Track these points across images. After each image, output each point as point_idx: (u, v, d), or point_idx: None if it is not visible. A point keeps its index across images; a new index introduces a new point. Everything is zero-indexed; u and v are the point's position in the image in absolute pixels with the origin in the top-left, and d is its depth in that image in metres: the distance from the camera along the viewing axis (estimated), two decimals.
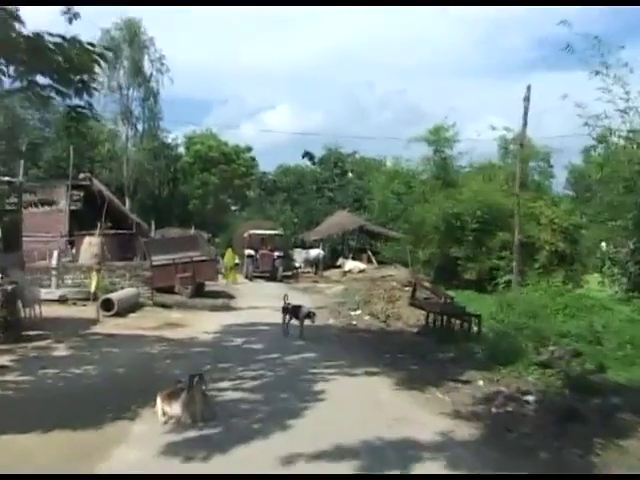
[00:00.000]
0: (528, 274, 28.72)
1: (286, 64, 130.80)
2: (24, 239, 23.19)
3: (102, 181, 46.45)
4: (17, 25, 11.84)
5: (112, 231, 35.94)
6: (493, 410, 10.55)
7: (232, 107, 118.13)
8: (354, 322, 22.41)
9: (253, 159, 70.89)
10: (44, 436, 8.98)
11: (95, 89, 13.71)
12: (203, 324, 20.97)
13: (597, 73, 18.85)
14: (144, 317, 22.62)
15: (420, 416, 10.36)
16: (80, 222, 34.87)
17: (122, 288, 25.49)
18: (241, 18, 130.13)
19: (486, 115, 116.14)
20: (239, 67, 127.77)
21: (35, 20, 12.17)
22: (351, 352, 16.51)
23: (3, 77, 12.38)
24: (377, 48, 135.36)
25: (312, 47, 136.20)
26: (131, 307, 23.75)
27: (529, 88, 27.04)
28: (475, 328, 17.76)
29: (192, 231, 44.50)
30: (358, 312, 24.28)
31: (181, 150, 67.93)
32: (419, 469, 7.93)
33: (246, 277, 41.52)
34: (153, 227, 45.77)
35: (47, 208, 35.27)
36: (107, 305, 22.03)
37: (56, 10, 13.09)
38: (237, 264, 42.21)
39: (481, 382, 12.70)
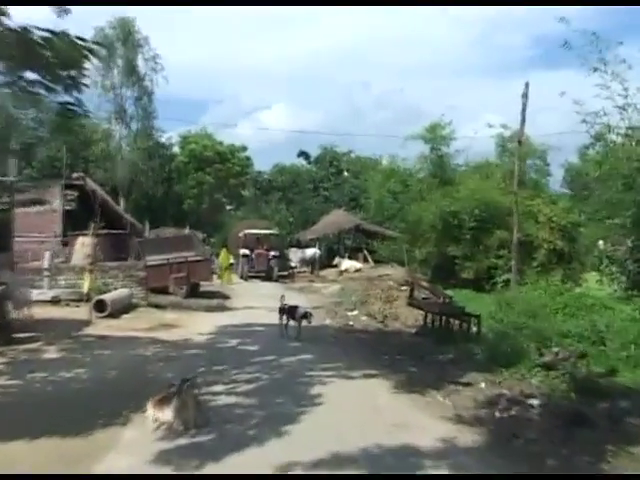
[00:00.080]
0: (526, 273, 28.46)
1: (282, 64, 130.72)
2: (16, 239, 22.80)
3: (96, 181, 46.03)
4: (3, 19, 11.54)
5: (105, 231, 35.53)
6: (496, 414, 10.23)
7: (228, 107, 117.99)
8: (351, 322, 22.12)
9: (248, 158, 70.52)
10: (31, 443, 8.65)
11: (85, 85, 13.37)
12: (197, 325, 20.64)
13: (595, 70, 18.63)
14: (138, 318, 22.27)
15: (420, 421, 10.03)
16: (74, 222, 34.46)
17: (115, 289, 25.14)
18: (237, 18, 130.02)
19: (484, 114, 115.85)
20: (235, 67, 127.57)
21: (31, 18, 11.89)
22: (348, 353, 16.20)
23: None
24: (374, 48, 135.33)
25: (309, 47, 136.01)
26: (124, 308, 23.38)
27: (527, 85, 26.78)
28: (474, 328, 17.45)
29: (186, 231, 44.13)
30: (355, 312, 23.99)
31: (176, 150, 67.54)
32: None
33: (241, 277, 41.29)
34: (147, 227, 45.40)
35: (40, 208, 34.86)
36: (100, 306, 21.67)
37: (48, 8, 12.80)
38: (232, 264, 41.94)
39: (483, 384, 12.37)
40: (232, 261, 42.56)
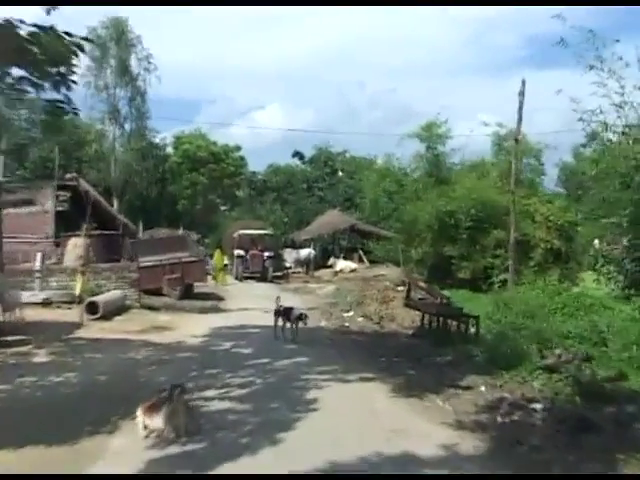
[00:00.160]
0: (523, 272, 28.25)
1: (276, 63, 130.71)
2: (7, 241, 22.48)
3: (90, 182, 45.74)
4: None
5: (98, 232, 35.21)
6: (498, 419, 9.88)
7: (222, 107, 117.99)
8: (347, 324, 21.84)
9: (242, 158, 70.24)
10: (15, 453, 8.29)
11: (74, 82, 13.02)
12: (191, 327, 20.35)
13: (591, 67, 18.40)
14: (130, 320, 21.96)
15: (420, 427, 9.68)
16: (67, 223, 34.15)
17: (108, 290, 24.82)
18: (231, 18, 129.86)
19: (477, 113, 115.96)
20: (229, 67, 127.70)
21: (18, 15, 11.55)
22: (344, 356, 15.87)
23: None
24: (367, 47, 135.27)
25: (303, 46, 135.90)
26: (117, 310, 23.09)
27: (524, 82, 26.56)
28: (472, 329, 17.15)
29: (180, 231, 43.84)
30: (351, 313, 23.70)
31: (169, 150, 67.23)
32: None
33: (236, 278, 41.10)
34: (141, 228, 45.07)
35: (32, 209, 34.51)
36: (92, 308, 21.37)
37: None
38: (226, 265, 41.72)
39: (483, 388, 12.02)
40: (226, 262, 42.43)
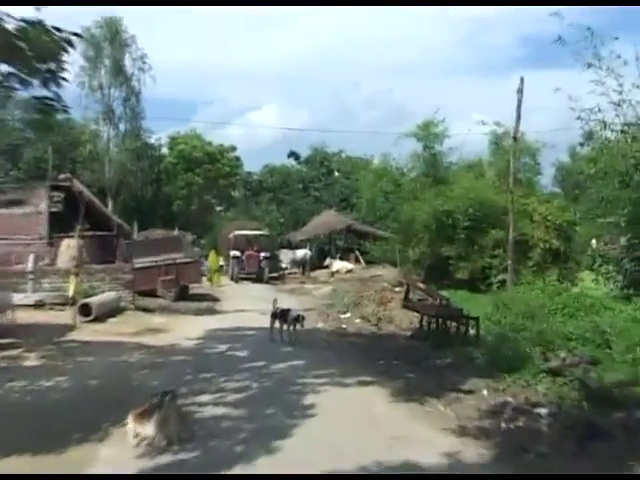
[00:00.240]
0: (522, 272, 28.02)
1: (271, 64, 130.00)
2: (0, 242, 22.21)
3: (84, 182, 45.40)
4: None
5: (91, 233, 34.88)
6: (502, 425, 9.55)
7: (218, 108, 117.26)
8: (344, 325, 21.52)
9: (238, 159, 69.86)
10: (0, 462, 7.95)
11: (64, 79, 12.68)
12: (186, 329, 20.06)
13: (589, 66, 18.20)
14: (124, 322, 21.70)
15: (421, 433, 9.35)
16: (60, 224, 33.81)
17: (102, 292, 24.52)
18: (227, 19, 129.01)
19: (471, 113, 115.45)
20: (224, 68, 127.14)
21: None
22: (342, 359, 15.55)
23: None
24: (362, 47, 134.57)
25: (298, 47, 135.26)
26: (111, 312, 22.83)
27: (522, 80, 26.33)
28: (472, 331, 16.85)
29: (175, 232, 43.49)
30: (348, 315, 23.39)
31: (165, 150, 66.87)
32: None
33: (232, 279, 40.78)
34: (136, 228, 44.70)
35: (26, 210, 34.19)
36: (85, 310, 21.08)
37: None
38: (222, 266, 41.46)
39: (485, 392, 11.66)
40: (222, 263, 42.18)
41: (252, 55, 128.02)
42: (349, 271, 43.64)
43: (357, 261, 47.61)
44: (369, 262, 46.55)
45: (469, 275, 30.75)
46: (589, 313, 18.63)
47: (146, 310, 24.23)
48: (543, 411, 9.88)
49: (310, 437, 9.07)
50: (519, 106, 26.50)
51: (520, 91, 26.27)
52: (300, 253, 46.98)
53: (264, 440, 8.78)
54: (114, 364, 14.53)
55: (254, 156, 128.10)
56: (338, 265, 45.17)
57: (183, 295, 28.16)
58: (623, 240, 24.72)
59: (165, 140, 66.99)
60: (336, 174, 69.71)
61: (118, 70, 58.16)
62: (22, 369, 13.80)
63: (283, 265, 46.20)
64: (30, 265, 25.29)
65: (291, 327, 17.77)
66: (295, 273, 45.73)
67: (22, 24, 11.40)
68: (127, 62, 59.08)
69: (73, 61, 44.30)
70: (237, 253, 41.45)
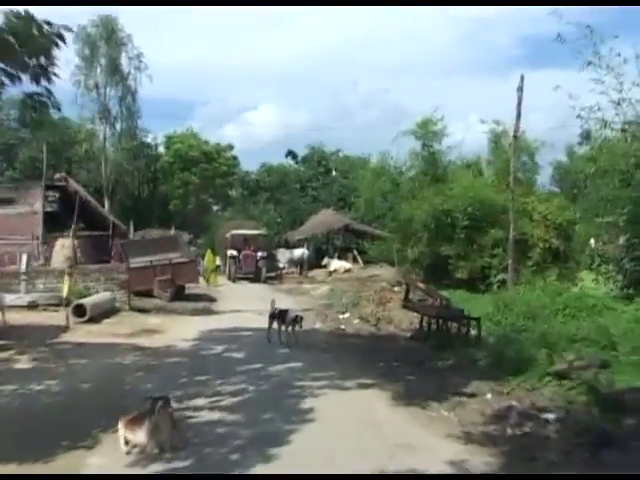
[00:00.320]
0: (522, 272, 27.73)
1: (269, 64, 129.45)
2: None
3: (80, 182, 45.27)
4: None
5: (87, 232, 34.65)
6: (508, 431, 9.19)
7: (215, 107, 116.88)
8: (343, 326, 21.17)
9: (235, 158, 69.62)
10: None
11: (55, 74, 12.35)
12: (182, 330, 19.75)
13: (589, 63, 17.96)
14: (119, 323, 21.36)
15: (425, 440, 8.97)
16: (56, 224, 33.57)
17: (97, 292, 24.21)
18: (223, 19, 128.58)
19: (470, 113, 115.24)
20: (221, 68, 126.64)
21: None
22: (341, 361, 15.20)
23: None
24: (360, 47, 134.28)
25: (295, 47, 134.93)
26: (106, 312, 22.50)
27: (522, 78, 26.01)
28: (473, 332, 16.53)
29: (172, 232, 43.21)
30: (346, 315, 23.05)
31: (161, 150, 66.58)
32: None
33: (229, 278, 40.50)
34: (132, 228, 44.40)
35: (21, 210, 33.92)
36: (80, 311, 20.75)
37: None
38: (218, 266, 41.22)
39: (489, 395, 11.31)
40: (219, 263, 41.95)
41: (249, 55, 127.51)
42: (347, 271, 43.36)
43: (355, 261, 47.30)
44: (367, 262, 46.30)
45: (468, 275, 30.43)
46: (591, 314, 18.39)
47: (142, 311, 23.93)
48: (550, 416, 9.51)
49: (309, 445, 8.71)
50: (519, 104, 26.19)
51: (520, 89, 25.97)
52: (298, 253, 46.69)
53: (261, 447, 8.45)
54: (107, 366, 14.22)
55: (251, 155, 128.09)
56: (336, 265, 44.88)
57: (179, 295, 27.96)
58: (623, 239, 24.51)
59: (162, 139, 66.82)
60: (334, 173, 69.41)
61: (114, 69, 57.88)
62: (12, 372, 13.48)
63: (281, 265, 45.94)
64: (23, 265, 24.98)
65: (289, 328, 17.45)
66: (293, 273, 45.47)
67: (11, 18, 11.10)
68: (123, 61, 58.91)
69: (69, 60, 44.14)
70: (234, 253, 41.16)
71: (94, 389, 12.08)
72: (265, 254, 42.10)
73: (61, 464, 7.97)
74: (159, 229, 48.00)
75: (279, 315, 17.78)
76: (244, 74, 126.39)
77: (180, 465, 7.85)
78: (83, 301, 21.44)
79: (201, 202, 65.45)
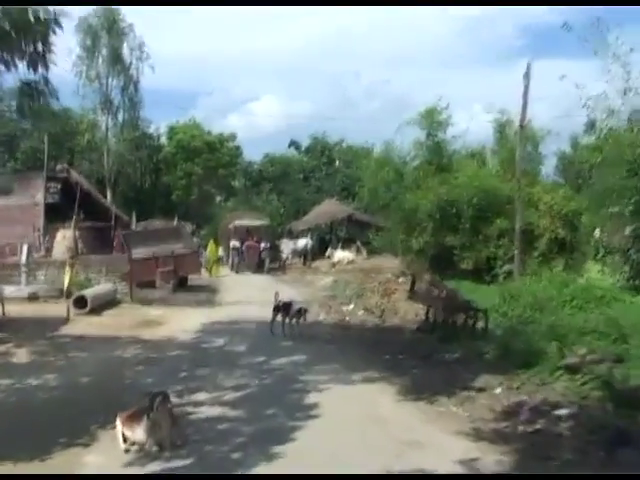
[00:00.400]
0: (527, 263, 27.40)
1: (272, 55, 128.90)
2: None
3: (82, 173, 45.06)
4: None
5: (88, 223, 34.44)
6: (520, 428, 8.88)
7: (218, 98, 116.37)
8: (347, 318, 20.91)
9: (237, 148, 69.29)
10: None
11: (52, 62, 12.05)
12: (184, 322, 19.55)
13: (596, 53, 17.74)
14: (121, 315, 21.19)
15: (434, 437, 8.66)
16: (57, 215, 33.37)
17: (98, 284, 24.02)
18: (225, 10, 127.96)
19: (473, 104, 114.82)
20: (224, 59, 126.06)
21: None
22: (345, 353, 14.96)
23: None
24: (362, 37, 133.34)
25: (298, 37, 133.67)
26: (107, 304, 22.41)
27: (529, 65, 25.54)
28: (480, 324, 16.22)
29: (175, 223, 42.98)
30: (351, 307, 22.75)
31: (163, 140, 66.22)
32: None
33: (232, 269, 40.37)
34: (134, 219, 44.16)
35: (23, 201, 33.71)
36: (80, 302, 20.54)
37: None
38: (221, 257, 41.07)
39: (498, 390, 11.00)
40: (221, 253, 41.81)
41: (252, 45, 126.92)
42: (351, 261, 43.02)
43: (359, 251, 46.99)
44: (371, 252, 45.96)
45: (473, 265, 30.09)
46: (599, 305, 18.02)
47: (143, 302, 23.70)
48: (563, 412, 9.20)
49: (313, 442, 8.40)
50: (526, 92, 25.74)
51: (527, 76, 25.55)
52: (301, 243, 46.42)
53: (263, 445, 8.15)
54: (107, 360, 14.01)
55: (255, 146, 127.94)
56: (339, 255, 44.57)
57: (182, 286, 27.79)
58: (629, 230, 24.22)
59: (164, 130, 66.52)
60: (337, 163, 69.13)
61: (116, 59, 57.39)
62: (10, 366, 13.25)
63: (284, 255, 45.66)
64: (23, 257, 24.75)
65: (293, 320, 17.19)
66: (296, 263, 45.19)
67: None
68: (125, 51, 58.34)
69: (70, 50, 43.87)
70: (237, 243, 41.07)
71: (93, 383, 11.86)
72: (268, 245, 42.05)
73: (57, 462, 7.71)
74: (162, 220, 47.75)
75: (283, 307, 17.52)
76: (246, 65, 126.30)
77: (180, 464, 7.56)
78: (84, 293, 21.26)
79: (204, 193, 65.11)
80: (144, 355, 14.51)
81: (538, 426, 8.90)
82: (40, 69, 11.78)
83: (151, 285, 25.92)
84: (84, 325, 18.56)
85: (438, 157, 37.93)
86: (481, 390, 11.10)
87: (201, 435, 8.58)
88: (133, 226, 42.06)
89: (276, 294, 18.20)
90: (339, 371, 12.81)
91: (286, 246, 46.69)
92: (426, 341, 16.03)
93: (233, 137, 68.79)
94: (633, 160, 20.30)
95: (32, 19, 11.04)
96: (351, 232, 50.69)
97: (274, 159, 71.23)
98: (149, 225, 42.95)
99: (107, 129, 58.47)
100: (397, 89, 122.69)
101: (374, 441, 8.54)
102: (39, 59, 11.59)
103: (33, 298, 22.30)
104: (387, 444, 8.36)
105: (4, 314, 18.68)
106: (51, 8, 11.11)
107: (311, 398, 10.66)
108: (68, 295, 21.39)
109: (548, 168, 53.75)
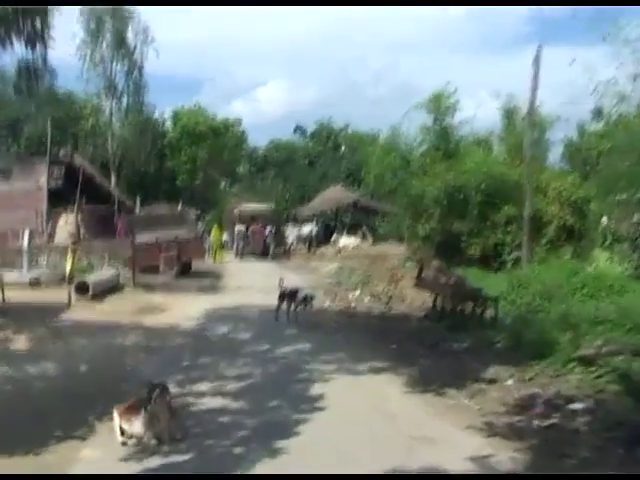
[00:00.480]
0: (535, 250, 27.07)
1: (278, 40, 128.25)
2: None
3: (86, 157, 44.79)
4: None
5: (91, 208, 34.12)
6: (534, 423, 8.52)
7: (223, 83, 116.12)
8: (353, 305, 20.57)
9: (243, 133, 68.96)
10: None
11: (51, 39, 11.72)
12: (186, 308, 19.29)
13: (607, 36, 17.43)
14: (123, 301, 20.88)
15: (444, 432, 8.30)
16: (61, 200, 33.07)
17: (101, 269, 23.73)
18: None
19: (480, 91, 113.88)
20: (230, 44, 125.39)
21: None
22: (351, 342, 14.62)
23: None
24: (369, 24, 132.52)
25: (304, 22, 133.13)
26: (110, 290, 22.07)
27: (539, 48, 25.02)
28: (489, 312, 15.90)
29: (179, 208, 42.71)
30: (357, 293, 22.43)
31: (168, 125, 65.87)
32: None
33: (236, 255, 40.15)
34: (138, 204, 43.86)
35: (26, 185, 33.39)
36: (83, 288, 20.22)
37: None
38: (225, 242, 40.87)
39: (510, 382, 10.66)
40: (225, 238, 41.60)
41: (258, 31, 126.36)
42: (356, 248, 42.77)
43: (364, 238, 46.74)
44: (376, 239, 45.69)
45: (481, 252, 29.79)
46: (609, 294, 17.66)
47: (146, 288, 23.39)
48: (579, 407, 8.84)
49: (318, 437, 8.04)
50: (536, 76, 25.31)
51: (537, 61, 25.07)
52: (306, 229, 46.24)
53: (267, 440, 7.81)
54: (108, 347, 13.73)
55: (260, 132, 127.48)
56: (345, 242, 44.38)
57: (185, 272, 27.54)
58: (637, 217, 23.95)
59: (169, 115, 66.15)
60: (343, 149, 68.81)
61: (120, 43, 56.82)
62: (7, 353, 12.94)
63: (288, 241, 45.50)
64: (25, 242, 24.41)
65: (299, 308, 16.92)
66: (301, 249, 44.93)
67: None
68: (129, 35, 57.81)
69: (74, 34, 43.55)
70: (242, 229, 40.85)
71: (92, 372, 11.59)
72: (273, 230, 41.89)
73: (52, 457, 7.40)
74: (166, 205, 47.49)
75: (289, 295, 17.23)
76: (253, 51, 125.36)
77: (179, 459, 7.24)
78: (86, 278, 20.97)
79: (209, 178, 64.75)
80: (145, 343, 14.23)
81: (553, 421, 8.54)
82: (38, 48, 11.46)
83: (154, 271, 25.70)
84: (85, 311, 18.24)
85: (445, 142, 37.56)
86: (492, 382, 10.76)
87: (202, 428, 8.27)
88: (137, 211, 41.81)
89: (280, 280, 17.92)
90: (345, 360, 12.50)
91: (291, 232, 46.56)
92: (434, 329, 15.74)
93: (238, 122, 68.42)
94: None
95: None
96: (356, 218, 50.45)
97: (279, 145, 70.99)
98: (153, 210, 42.68)
99: (111, 114, 57.96)
100: (403, 75, 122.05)
101: (382, 436, 8.18)
102: (37, 38, 11.26)
103: (35, 284, 21.98)
104: (396, 440, 7.99)
105: (4, 300, 18.36)
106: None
107: (316, 389, 10.35)
108: (70, 281, 21.02)
109: (554, 155, 53.37)
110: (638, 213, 23.63)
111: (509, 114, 38.10)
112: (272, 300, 17.57)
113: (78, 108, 56.79)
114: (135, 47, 57.82)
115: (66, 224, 29.43)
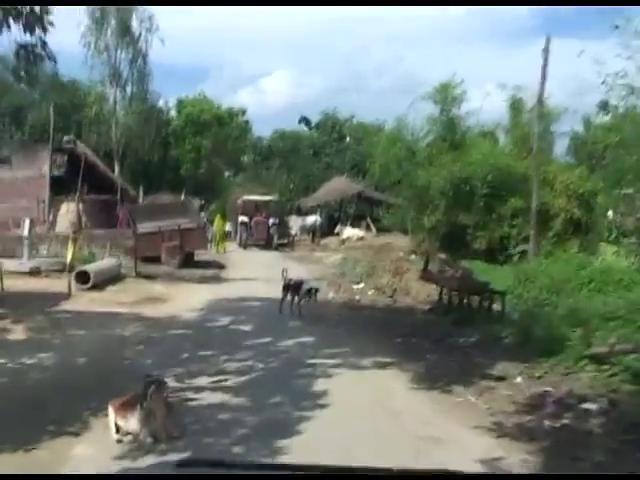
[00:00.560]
0: (542, 243, 26.82)
1: (284, 30, 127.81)
2: None
3: (90, 145, 44.51)
4: None
5: (93, 196, 33.90)
6: (545, 423, 8.22)
7: (229, 73, 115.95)
8: (357, 297, 20.30)
9: (247, 122, 68.64)
10: None
11: (50, 23, 11.37)
12: (188, 299, 19.05)
13: (616, 27, 17.10)
14: (124, 290, 20.61)
15: (452, 432, 7.99)
16: (63, 188, 32.83)
17: (102, 258, 23.49)
18: None
19: (486, 83, 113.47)
20: (235, 34, 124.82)
21: None
22: (355, 335, 14.32)
23: None
24: (374, 15, 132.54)
25: (309, 13, 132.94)
26: (111, 279, 21.84)
27: (548, 39, 24.73)
28: (496, 306, 15.63)
29: (182, 197, 42.44)
30: (361, 285, 22.14)
31: (172, 114, 65.59)
32: None
33: (240, 245, 39.94)
34: (141, 193, 43.62)
35: (28, 173, 33.18)
36: (83, 277, 19.97)
37: None
38: (228, 232, 40.65)
39: (519, 379, 10.34)
40: (229, 228, 41.39)
41: (264, 21, 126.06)
42: (360, 239, 42.54)
43: (368, 229, 46.55)
44: (381, 230, 45.47)
45: (487, 245, 29.58)
46: (617, 288, 17.37)
47: (148, 277, 23.19)
48: (592, 407, 8.53)
49: (322, 435, 7.74)
50: (545, 67, 24.98)
51: (545, 51, 24.75)
52: (310, 220, 46.05)
53: (268, 439, 7.50)
54: (107, 338, 13.47)
55: (265, 122, 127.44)
56: (349, 232, 44.16)
57: (188, 262, 27.21)
58: None
59: (173, 103, 65.87)
60: (347, 140, 68.50)
61: (125, 30, 56.51)
62: (5, 343, 12.66)
63: (292, 232, 45.26)
64: (25, 230, 24.14)
65: (303, 300, 16.63)
66: (304, 240, 44.77)
67: None
68: (134, 23, 57.46)
69: (79, 21, 43.27)
70: (245, 219, 40.65)
71: (90, 364, 11.28)
72: (277, 220, 41.64)
73: (43, 453, 7.10)
74: (170, 194, 47.25)
75: (293, 287, 16.94)
76: (258, 41, 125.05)
77: (176, 458, 6.83)
78: (87, 267, 20.72)
79: (213, 167, 64.45)
80: (145, 334, 13.98)
81: (565, 421, 8.25)
82: (37, 31, 11.12)
83: (156, 260, 25.45)
84: (85, 301, 18.06)
85: (452, 133, 37.13)
86: (500, 379, 10.44)
87: (200, 425, 7.98)
88: (140, 200, 41.58)
89: (284, 271, 17.64)
90: (349, 355, 12.21)
91: (295, 222, 46.34)
92: (440, 323, 15.50)
93: (243, 111, 68.14)
94: None
95: None
96: (361, 209, 50.27)
97: (284, 134, 70.65)
98: (156, 199, 42.44)
99: (115, 102, 57.62)
100: (408, 66, 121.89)
101: (388, 435, 7.88)
102: (36, 20, 10.93)
103: (35, 273, 21.76)
104: (402, 440, 7.70)
105: (3, 289, 18.14)
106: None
107: (319, 385, 10.04)
108: (71, 270, 20.79)
109: (560, 148, 53.02)
110: None
111: (515, 106, 37.70)
112: (275, 291, 17.34)
113: (82, 95, 56.46)
114: (140, 35, 57.48)
115: (68, 212, 29.21)
